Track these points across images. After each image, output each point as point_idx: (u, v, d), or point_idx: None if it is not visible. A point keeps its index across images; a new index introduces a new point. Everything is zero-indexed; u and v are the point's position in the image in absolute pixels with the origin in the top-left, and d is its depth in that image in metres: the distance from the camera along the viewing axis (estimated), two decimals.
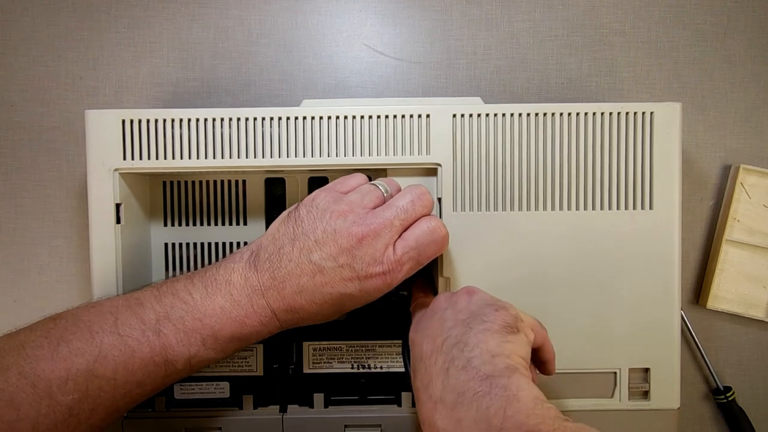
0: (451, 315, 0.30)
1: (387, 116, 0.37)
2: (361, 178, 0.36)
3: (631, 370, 0.37)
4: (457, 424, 0.24)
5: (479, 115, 0.37)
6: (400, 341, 0.38)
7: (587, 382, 0.38)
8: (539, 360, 0.33)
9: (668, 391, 0.37)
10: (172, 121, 0.37)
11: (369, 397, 0.39)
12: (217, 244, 0.42)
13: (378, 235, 0.31)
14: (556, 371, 0.37)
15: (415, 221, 0.32)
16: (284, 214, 0.34)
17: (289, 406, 0.39)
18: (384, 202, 0.33)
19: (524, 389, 0.25)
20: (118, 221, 0.37)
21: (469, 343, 0.28)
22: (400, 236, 0.32)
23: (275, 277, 0.31)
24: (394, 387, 0.38)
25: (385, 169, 0.38)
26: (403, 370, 0.38)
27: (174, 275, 0.42)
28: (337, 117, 0.37)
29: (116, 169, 0.37)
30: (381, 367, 0.39)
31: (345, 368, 0.39)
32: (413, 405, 0.38)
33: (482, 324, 0.29)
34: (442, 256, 0.37)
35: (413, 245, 0.32)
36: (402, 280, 0.32)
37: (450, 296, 0.33)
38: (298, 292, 0.31)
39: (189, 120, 0.37)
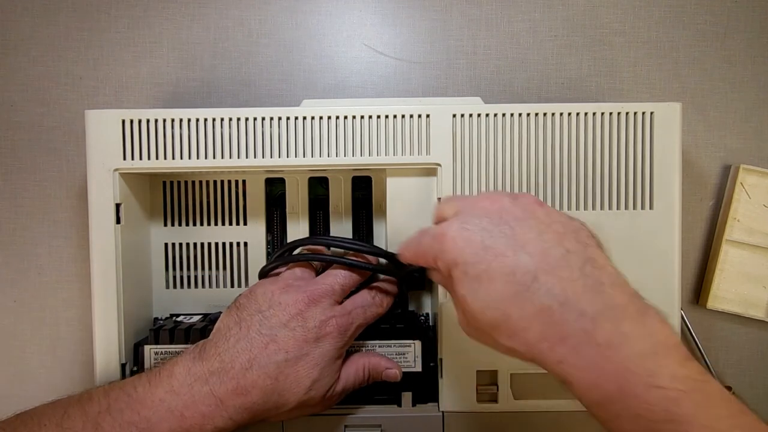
0: (542, 228, 0.27)
1: (387, 116, 0.37)
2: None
3: None
4: (624, 338, 0.23)
5: (479, 115, 0.37)
6: (400, 341, 0.38)
7: None
8: None
9: None
10: (172, 121, 0.37)
11: (369, 397, 0.39)
12: (217, 244, 0.42)
13: (323, 297, 0.33)
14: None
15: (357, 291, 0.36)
16: (226, 309, 0.35)
17: None
18: (317, 274, 0.36)
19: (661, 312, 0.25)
20: (118, 221, 0.37)
21: (597, 260, 0.26)
22: (343, 302, 0.35)
23: (223, 360, 0.31)
24: (394, 387, 0.38)
25: (384, 169, 0.38)
26: (405, 370, 0.38)
27: (174, 275, 0.42)
28: (337, 117, 0.37)
29: (116, 169, 0.37)
30: None
31: None
32: (413, 405, 0.38)
33: (590, 240, 0.27)
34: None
35: (359, 303, 0.35)
36: (355, 335, 0.35)
37: (514, 201, 0.28)
38: (248, 367, 0.31)
39: (189, 120, 0.37)
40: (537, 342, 0.24)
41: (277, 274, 0.37)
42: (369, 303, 0.35)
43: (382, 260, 0.37)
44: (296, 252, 0.38)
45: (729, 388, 0.46)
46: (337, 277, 0.35)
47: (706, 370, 0.23)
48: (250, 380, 0.31)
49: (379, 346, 0.38)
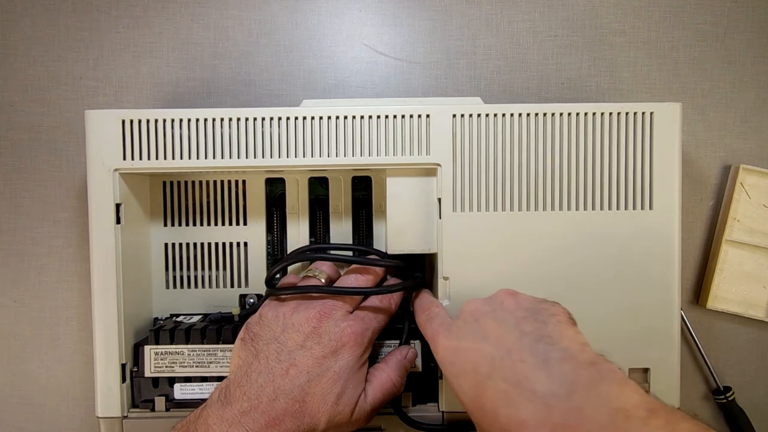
0: (505, 315, 0.30)
1: (387, 116, 0.37)
2: (293, 277, 0.39)
3: (631, 370, 0.37)
4: (579, 413, 0.23)
5: (479, 115, 0.37)
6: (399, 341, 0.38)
7: None
8: None
9: (668, 391, 0.37)
10: (172, 121, 0.37)
11: None
12: (217, 244, 0.42)
13: (334, 309, 0.34)
14: None
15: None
16: (237, 341, 0.34)
17: None
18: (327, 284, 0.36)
19: (622, 372, 0.25)
20: (118, 221, 0.37)
21: (552, 335, 0.27)
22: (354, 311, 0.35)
23: (250, 398, 0.31)
24: None
25: (384, 169, 0.38)
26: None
27: (174, 275, 0.42)
28: (337, 117, 0.37)
29: (116, 169, 0.37)
30: None
31: None
32: (413, 404, 0.38)
33: (553, 317, 0.28)
34: (441, 256, 0.37)
35: (370, 308, 0.35)
36: (372, 341, 0.35)
37: (487, 300, 0.32)
38: (274, 398, 0.31)
39: (189, 120, 0.37)
40: (507, 424, 0.25)
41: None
42: (378, 306, 0.36)
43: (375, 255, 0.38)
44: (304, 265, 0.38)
45: (728, 388, 0.46)
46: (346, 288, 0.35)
47: (674, 409, 0.23)
48: (280, 410, 0.31)
49: (380, 346, 0.38)
